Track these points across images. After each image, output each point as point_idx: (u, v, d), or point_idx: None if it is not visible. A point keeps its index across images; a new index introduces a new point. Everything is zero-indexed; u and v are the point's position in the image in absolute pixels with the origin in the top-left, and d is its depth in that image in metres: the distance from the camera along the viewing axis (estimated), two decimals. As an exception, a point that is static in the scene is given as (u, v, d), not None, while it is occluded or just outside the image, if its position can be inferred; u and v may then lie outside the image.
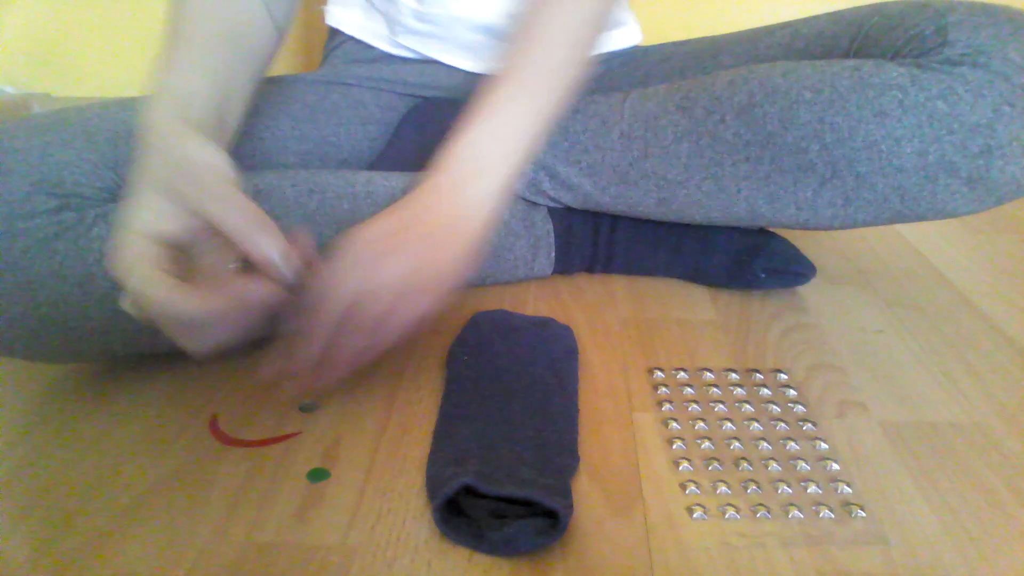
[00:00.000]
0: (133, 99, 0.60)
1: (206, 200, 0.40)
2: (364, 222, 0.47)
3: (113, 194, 0.52)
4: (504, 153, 0.50)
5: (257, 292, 0.41)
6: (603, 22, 0.56)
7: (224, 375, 0.56)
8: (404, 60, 0.74)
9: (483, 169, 0.49)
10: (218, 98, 0.48)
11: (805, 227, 0.59)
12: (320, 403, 0.52)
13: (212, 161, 0.42)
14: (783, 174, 0.56)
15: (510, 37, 0.54)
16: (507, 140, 0.50)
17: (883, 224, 0.57)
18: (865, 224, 0.57)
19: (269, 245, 0.41)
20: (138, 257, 0.39)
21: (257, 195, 0.55)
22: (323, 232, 0.57)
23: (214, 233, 0.41)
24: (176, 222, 0.41)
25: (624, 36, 0.78)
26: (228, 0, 0.51)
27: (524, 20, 0.53)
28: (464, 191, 0.49)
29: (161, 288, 0.38)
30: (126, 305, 0.40)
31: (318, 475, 0.46)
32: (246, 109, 0.53)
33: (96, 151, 0.52)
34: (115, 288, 0.49)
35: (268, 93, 0.67)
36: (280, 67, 1.22)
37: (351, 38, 0.76)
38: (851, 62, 0.54)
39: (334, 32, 0.78)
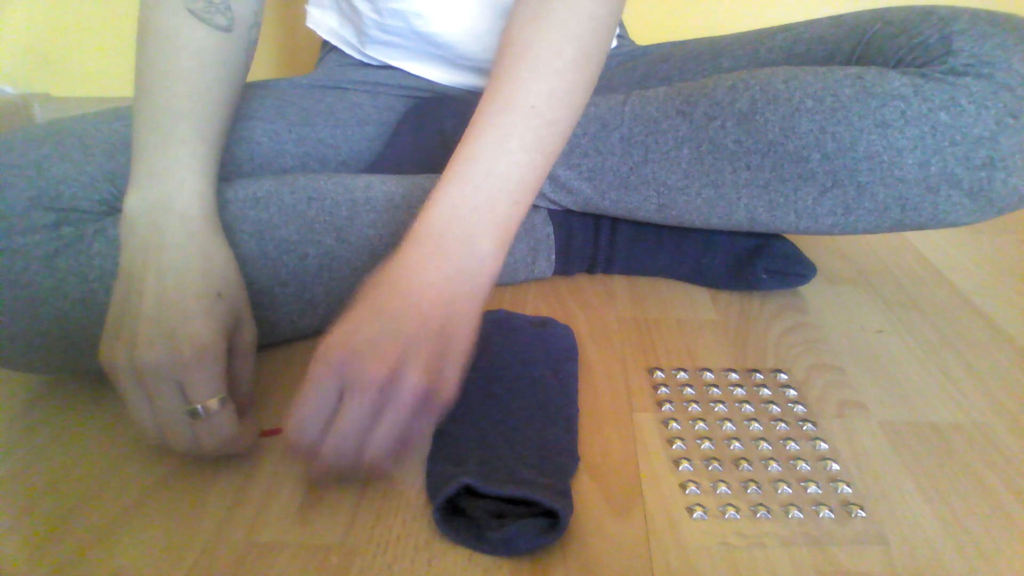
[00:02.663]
0: (129, 108, 0.60)
1: (243, 345, 0.46)
2: (347, 324, 0.41)
3: (111, 207, 0.52)
4: (492, 208, 0.44)
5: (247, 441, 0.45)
6: (611, 32, 0.51)
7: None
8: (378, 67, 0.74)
9: (470, 234, 0.43)
10: (220, 142, 0.50)
11: (805, 233, 0.59)
12: None
13: (238, 280, 0.46)
14: (783, 182, 0.55)
15: (499, 54, 0.48)
16: (494, 192, 0.44)
17: (884, 232, 0.57)
18: (866, 232, 0.57)
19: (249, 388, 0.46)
20: (220, 377, 0.42)
21: (256, 203, 0.55)
22: (323, 240, 0.57)
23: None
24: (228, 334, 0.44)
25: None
26: (224, 55, 0.51)
27: (514, 35, 0.48)
28: (452, 263, 0.42)
29: (232, 422, 0.42)
30: (196, 412, 0.42)
31: None
32: (230, 126, 0.53)
33: (93, 164, 0.52)
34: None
35: (264, 97, 0.67)
36: (265, 71, 1.22)
37: (330, 41, 0.76)
38: (854, 70, 0.53)
39: None
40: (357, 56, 0.74)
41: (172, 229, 0.44)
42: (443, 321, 0.41)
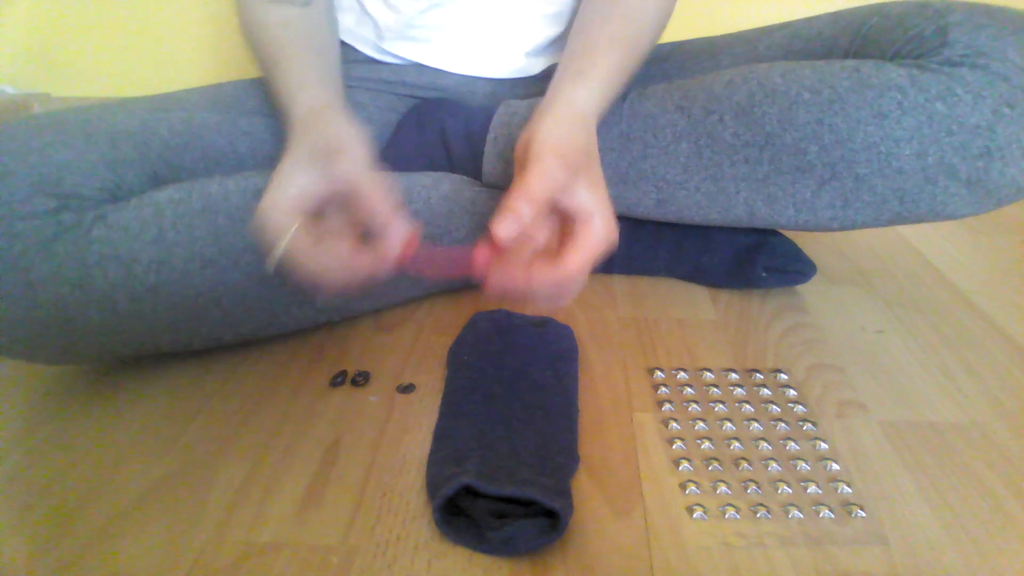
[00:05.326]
0: (133, 99, 0.60)
1: (351, 169, 0.46)
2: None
3: (112, 194, 0.52)
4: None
5: (377, 258, 0.46)
6: (670, 12, 0.60)
7: (225, 374, 0.56)
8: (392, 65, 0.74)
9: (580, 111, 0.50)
10: (335, 79, 0.58)
11: (804, 228, 0.59)
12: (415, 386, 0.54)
13: (358, 139, 0.48)
14: (782, 175, 0.56)
15: (591, 16, 0.58)
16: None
17: (882, 226, 0.57)
18: (864, 225, 0.57)
19: (394, 227, 0.46)
20: (286, 222, 0.44)
21: (257, 195, 0.55)
22: None
23: (344, 204, 0.46)
24: (321, 185, 0.46)
25: None
26: (307, 22, 0.60)
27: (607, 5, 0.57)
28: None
29: (307, 245, 0.44)
30: (270, 265, 0.45)
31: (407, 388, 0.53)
32: (330, 62, 0.61)
33: (95, 151, 0.52)
34: (115, 290, 0.49)
35: (266, 93, 0.67)
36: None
37: (342, 41, 0.76)
38: (850, 63, 0.53)
39: None
40: (371, 53, 0.75)
41: (288, 134, 0.51)
42: None
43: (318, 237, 0.45)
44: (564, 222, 0.45)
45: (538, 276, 0.42)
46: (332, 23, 0.63)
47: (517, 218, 0.42)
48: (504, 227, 0.41)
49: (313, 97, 0.53)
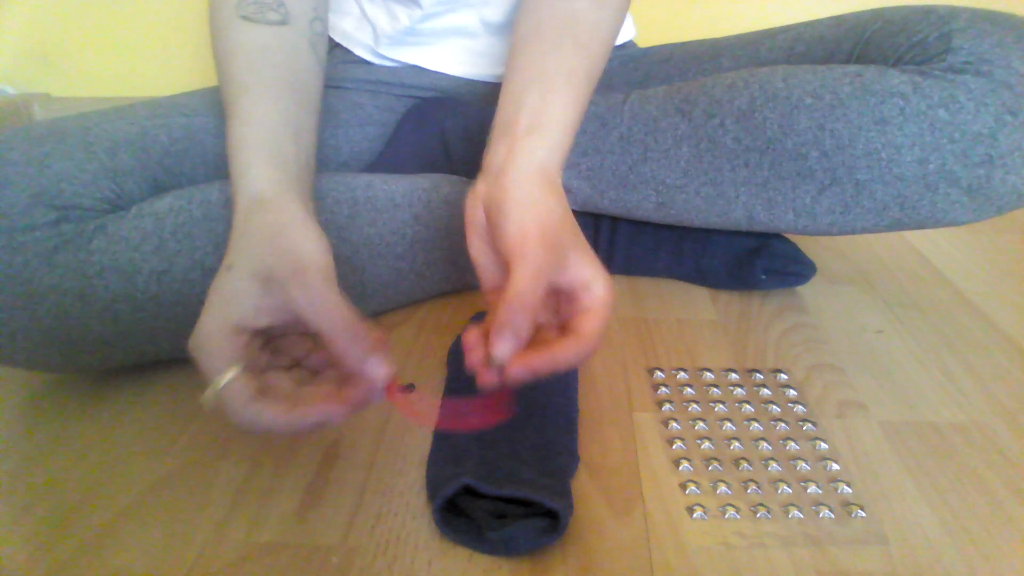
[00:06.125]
0: (132, 105, 0.60)
1: (306, 303, 0.39)
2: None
3: (113, 204, 0.52)
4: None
5: (324, 415, 0.39)
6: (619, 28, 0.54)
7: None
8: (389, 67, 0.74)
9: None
10: (298, 146, 0.48)
11: (803, 233, 0.59)
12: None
13: (315, 256, 0.41)
14: (782, 180, 0.55)
15: (542, 38, 0.50)
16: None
17: (882, 231, 0.57)
18: (864, 231, 0.57)
19: (365, 363, 0.39)
20: (226, 357, 0.38)
21: None
22: None
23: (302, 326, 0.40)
24: (270, 316, 0.40)
25: (623, 31, 0.78)
26: (280, 46, 0.51)
27: (557, 22, 0.50)
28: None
29: (241, 401, 0.38)
30: (205, 405, 0.38)
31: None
32: (301, 105, 0.51)
33: (95, 161, 0.52)
34: (116, 301, 0.49)
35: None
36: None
37: (339, 44, 0.76)
38: (852, 68, 0.53)
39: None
40: (369, 57, 0.75)
41: (232, 219, 0.43)
42: None
43: (257, 391, 0.38)
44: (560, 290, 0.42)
45: (562, 356, 0.39)
46: (313, 42, 0.54)
47: (515, 335, 0.38)
48: (503, 349, 0.38)
49: (264, 178, 0.44)
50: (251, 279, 0.40)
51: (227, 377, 0.37)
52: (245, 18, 0.50)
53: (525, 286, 0.39)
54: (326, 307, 0.39)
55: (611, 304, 0.41)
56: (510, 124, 0.46)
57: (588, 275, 0.42)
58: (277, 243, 0.41)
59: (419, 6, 0.68)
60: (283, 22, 0.51)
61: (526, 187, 0.43)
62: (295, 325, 0.40)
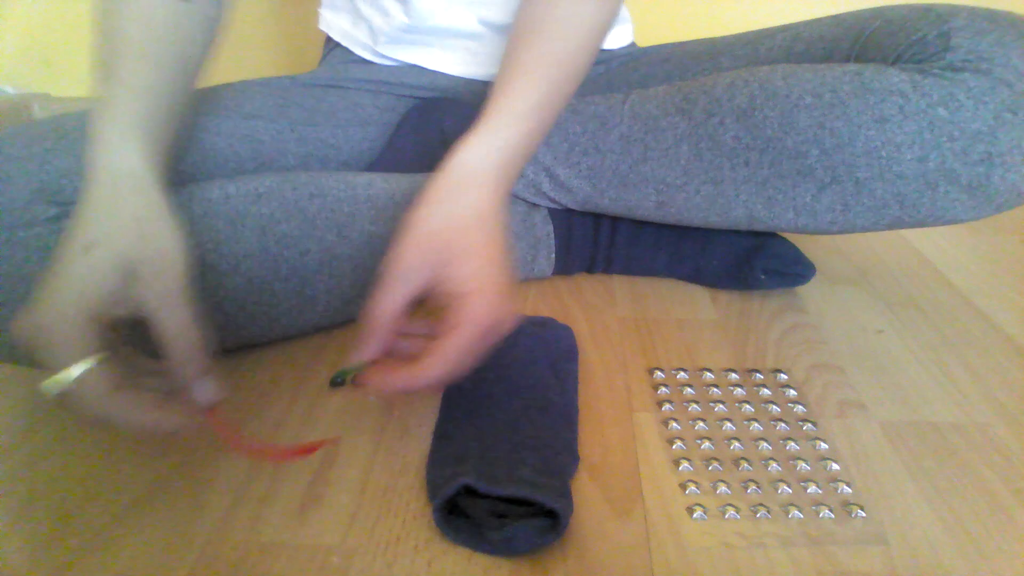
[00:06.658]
0: None
1: (157, 308, 0.39)
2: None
3: None
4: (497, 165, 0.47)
5: (172, 423, 0.39)
6: (610, 24, 0.54)
7: (224, 374, 0.56)
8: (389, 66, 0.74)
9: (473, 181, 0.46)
10: (172, 128, 0.47)
11: (803, 231, 0.59)
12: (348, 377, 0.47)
13: (176, 257, 0.40)
14: (782, 179, 0.56)
15: (514, 36, 0.51)
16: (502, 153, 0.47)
17: (882, 229, 0.57)
18: (864, 229, 0.57)
19: (194, 384, 0.40)
20: (83, 345, 0.36)
21: (258, 199, 0.55)
22: (324, 236, 0.57)
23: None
24: (125, 308, 0.38)
25: (620, 34, 0.78)
26: (180, 23, 0.49)
27: (529, 19, 0.51)
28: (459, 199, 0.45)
29: (100, 392, 0.36)
30: (48, 392, 0.36)
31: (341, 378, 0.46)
32: (187, 110, 0.51)
33: None
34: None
35: (267, 96, 0.67)
36: (273, 67, 1.22)
37: (338, 43, 0.76)
38: (852, 67, 0.53)
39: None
40: (369, 56, 0.75)
41: (83, 188, 0.41)
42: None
43: (117, 383, 0.37)
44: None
45: (413, 376, 0.39)
46: (207, 26, 0.52)
47: (359, 351, 0.41)
48: (352, 362, 0.41)
49: (138, 153, 0.42)
50: (113, 265, 0.38)
51: (84, 366, 0.36)
52: None
53: (373, 300, 0.41)
54: (175, 318, 0.39)
55: (484, 321, 0.40)
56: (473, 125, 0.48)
57: (466, 289, 0.41)
58: (145, 234, 0.39)
59: (409, 1, 0.68)
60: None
61: (435, 187, 0.44)
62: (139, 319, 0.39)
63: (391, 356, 0.44)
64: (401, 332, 0.44)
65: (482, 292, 0.41)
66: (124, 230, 0.39)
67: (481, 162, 0.46)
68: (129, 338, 0.40)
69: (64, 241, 0.39)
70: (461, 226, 0.42)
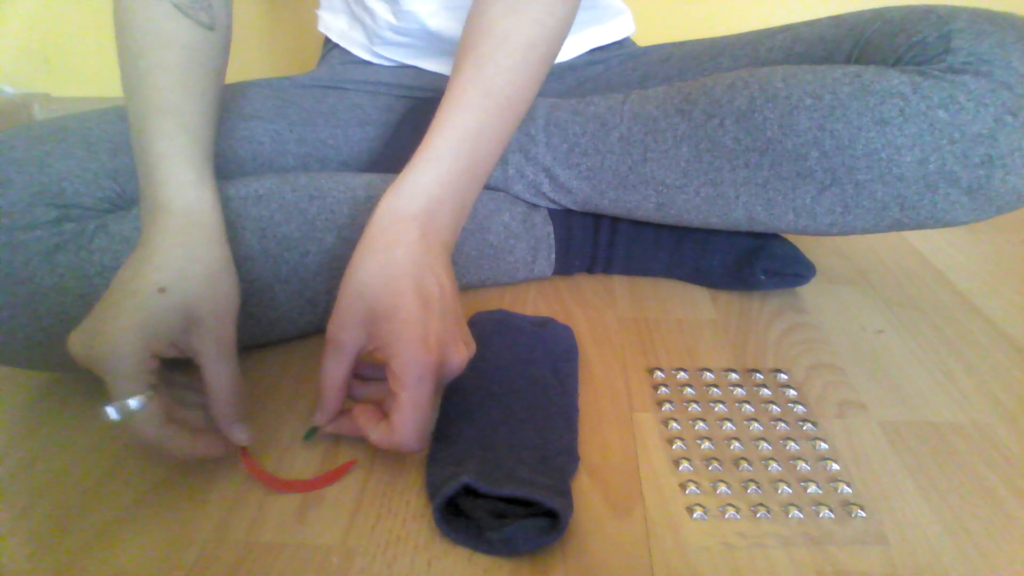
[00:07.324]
0: None
1: (209, 355, 0.42)
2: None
3: (114, 204, 0.52)
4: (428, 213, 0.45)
5: (217, 451, 0.44)
6: (562, 32, 0.52)
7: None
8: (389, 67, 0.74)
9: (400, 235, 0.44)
10: (212, 144, 0.49)
11: (803, 233, 0.59)
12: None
13: (233, 304, 0.44)
14: (782, 180, 0.55)
15: (456, 56, 0.50)
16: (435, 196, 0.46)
17: (882, 231, 0.57)
18: (864, 231, 0.57)
19: (232, 427, 0.44)
20: (142, 378, 0.39)
21: (258, 200, 0.55)
22: (324, 238, 0.57)
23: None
24: (175, 349, 0.42)
25: (619, 26, 0.78)
26: (210, 52, 0.50)
27: (468, 37, 0.50)
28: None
29: (155, 424, 0.40)
30: (108, 412, 0.39)
31: (311, 434, 0.48)
32: (218, 121, 0.52)
33: (96, 161, 0.52)
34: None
35: (267, 97, 0.67)
36: (271, 69, 1.22)
37: (336, 44, 0.77)
38: (852, 68, 0.53)
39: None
40: (367, 56, 0.75)
41: (152, 224, 0.43)
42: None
43: (167, 415, 0.41)
44: None
45: (395, 437, 0.41)
46: (227, 53, 0.53)
47: (320, 411, 0.46)
48: (316, 420, 0.46)
49: (201, 185, 0.45)
50: (182, 313, 0.41)
51: (141, 398, 0.39)
52: (177, 8, 0.48)
53: (320, 370, 0.44)
54: (226, 368, 0.42)
55: (415, 375, 0.40)
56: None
57: (391, 349, 0.41)
58: (214, 285, 0.43)
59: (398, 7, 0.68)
60: (211, 27, 0.50)
61: (365, 236, 0.44)
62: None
63: (356, 400, 0.47)
64: (360, 377, 0.48)
65: (407, 345, 0.41)
66: (196, 279, 0.42)
67: (408, 206, 0.45)
68: (168, 370, 0.43)
69: (133, 275, 0.41)
70: (382, 284, 0.42)
